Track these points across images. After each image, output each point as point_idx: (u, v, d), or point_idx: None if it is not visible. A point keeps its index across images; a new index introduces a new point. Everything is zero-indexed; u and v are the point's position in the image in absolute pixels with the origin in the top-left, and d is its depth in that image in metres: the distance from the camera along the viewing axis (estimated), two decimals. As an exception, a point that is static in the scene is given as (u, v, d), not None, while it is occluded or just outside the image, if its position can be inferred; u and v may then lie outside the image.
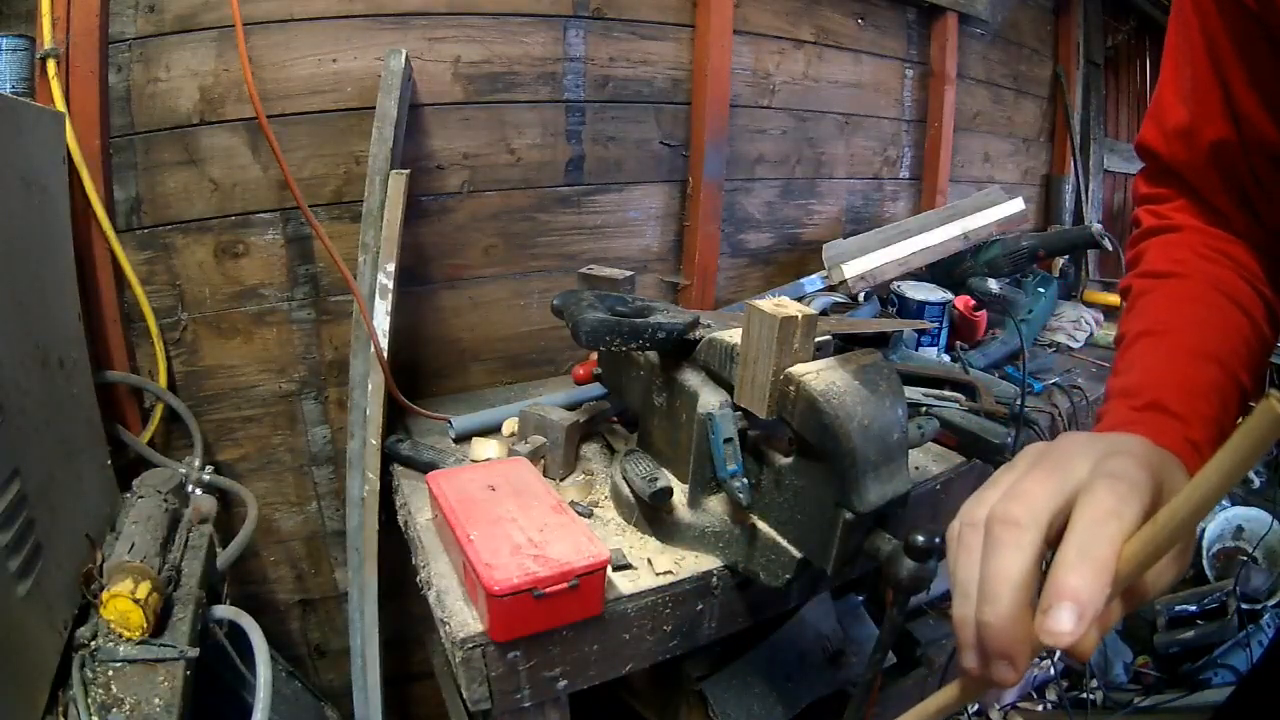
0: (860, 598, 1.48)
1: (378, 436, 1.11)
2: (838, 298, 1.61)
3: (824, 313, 1.54)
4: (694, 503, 0.92)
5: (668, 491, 0.90)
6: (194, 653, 0.78)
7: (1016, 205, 1.87)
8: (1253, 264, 0.60)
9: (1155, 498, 0.39)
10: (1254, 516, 2.00)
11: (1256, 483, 2.32)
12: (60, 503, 0.80)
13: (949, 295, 1.65)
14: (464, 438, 1.18)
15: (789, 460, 0.83)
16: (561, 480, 1.08)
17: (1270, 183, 0.57)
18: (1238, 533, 2.00)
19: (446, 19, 1.27)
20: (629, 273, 1.23)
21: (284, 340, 1.28)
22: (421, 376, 1.39)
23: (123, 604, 0.76)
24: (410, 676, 1.51)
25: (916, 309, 1.61)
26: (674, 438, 0.96)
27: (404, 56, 1.16)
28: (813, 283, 1.64)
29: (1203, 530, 2.01)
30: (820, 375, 0.77)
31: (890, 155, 1.93)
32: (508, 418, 1.21)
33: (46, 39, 0.99)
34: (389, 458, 1.13)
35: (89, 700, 0.71)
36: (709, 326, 0.96)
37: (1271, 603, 1.78)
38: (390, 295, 1.12)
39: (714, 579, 0.90)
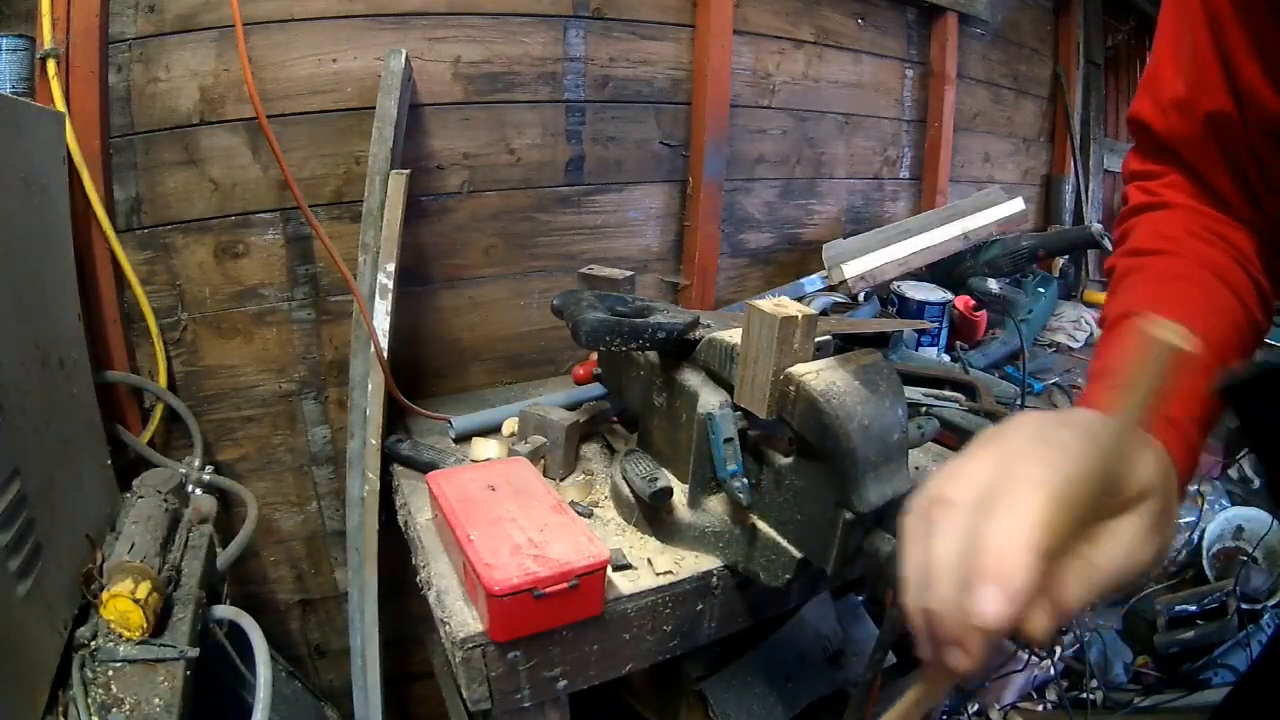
0: (860, 598, 1.48)
1: (378, 436, 1.11)
2: (838, 298, 1.61)
3: (824, 313, 1.54)
4: (694, 503, 0.92)
5: (668, 491, 0.90)
6: (194, 653, 0.78)
7: (1016, 205, 1.87)
8: (1248, 247, 0.57)
9: (1097, 464, 0.37)
10: (1254, 516, 2.00)
11: (1256, 483, 2.32)
12: (60, 503, 0.80)
13: (949, 295, 1.65)
14: (464, 438, 1.18)
15: (789, 460, 0.83)
16: (561, 480, 1.08)
17: (1271, 165, 0.54)
18: (1238, 533, 2.00)
19: (446, 19, 1.27)
20: (629, 273, 1.23)
21: (284, 340, 1.28)
22: (421, 376, 1.39)
23: (123, 604, 0.76)
24: (410, 676, 1.51)
25: (916, 309, 1.62)
26: (674, 438, 0.96)
27: (404, 56, 1.16)
28: (813, 283, 1.64)
29: (1203, 530, 2.01)
30: (820, 375, 0.77)
31: (890, 155, 1.93)
32: (508, 418, 1.21)
33: (46, 39, 0.99)
34: (389, 458, 1.13)
35: (89, 700, 0.71)
36: (709, 326, 0.96)
37: (1271, 603, 1.78)
38: (390, 295, 1.12)
39: (714, 579, 0.90)
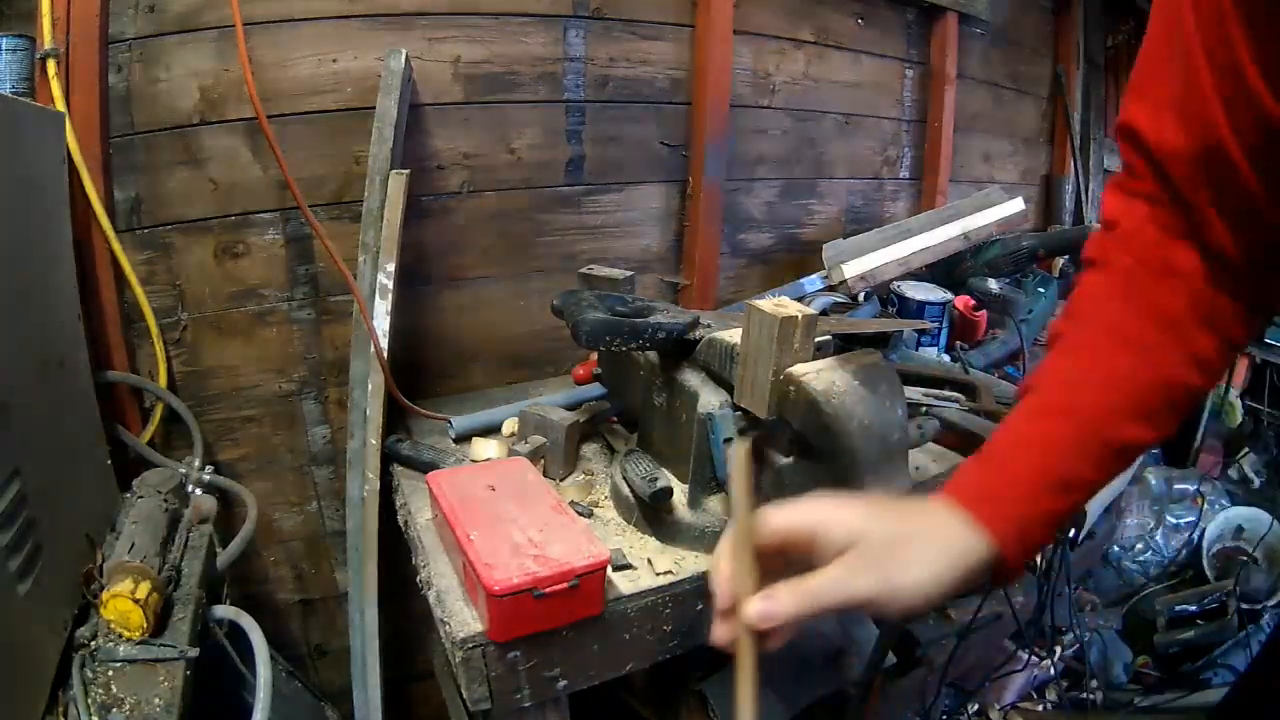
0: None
1: (378, 436, 1.11)
2: (838, 298, 1.61)
3: (824, 313, 1.54)
4: (694, 503, 0.92)
5: (668, 491, 0.90)
6: (194, 653, 0.78)
7: (1016, 205, 1.87)
8: (1180, 306, 0.55)
9: (740, 534, 0.53)
10: (1254, 516, 2.00)
11: (1256, 483, 2.33)
12: (60, 503, 0.80)
13: (949, 295, 1.65)
14: (464, 438, 1.18)
15: (789, 460, 0.83)
16: (561, 480, 1.08)
17: (1261, 178, 0.50)
18: (1238, 533, 2.00)
19: (447, 19, 1.27)
20: (629, 273, 1.23)
21: (284, 340, 1.28)
22: (421, 376, 1.39)
23: (123, 604, 0.76)
24: (410, 676, 1.50)
25: (916, 309, 1.62)
26: (674, 438, 0.96)
27: (404, 56, 1.16)
28: (813, 283, 1.64)
29: (1203, 530, 2.02)
30: (820, 375, 0.77)
31: (890, 155, 1.93)
32: (508, 418, 1.21)
33: (46, 39, 0.99)
34: (389, 458, 1.13)
35: (89, 700, 0.71)
36: (709, 326, 0.96)
37: (1271, 603, 1.78)
38: (390, 295, 1.12)
39: (714, 579, 0.90)
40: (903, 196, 2.00)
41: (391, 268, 1.12)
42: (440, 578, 0.86)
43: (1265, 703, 0.73)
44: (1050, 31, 2.34)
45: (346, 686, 1.24)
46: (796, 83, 1.69)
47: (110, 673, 0.75)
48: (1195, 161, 0.52)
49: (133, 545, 0.87)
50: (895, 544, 0.52)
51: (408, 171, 1.12)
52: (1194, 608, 1.85)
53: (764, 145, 1.68)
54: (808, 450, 0.79)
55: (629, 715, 1.26)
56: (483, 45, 1.30)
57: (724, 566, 0.53)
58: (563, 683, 0.83)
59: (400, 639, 1.40)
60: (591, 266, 1.29)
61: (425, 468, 1.06)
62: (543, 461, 1.08)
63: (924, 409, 1.22)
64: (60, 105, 1.01)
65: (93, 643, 0.77)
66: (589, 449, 1.17)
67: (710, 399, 0.88)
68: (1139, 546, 2.03)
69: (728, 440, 0.84)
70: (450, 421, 1.19)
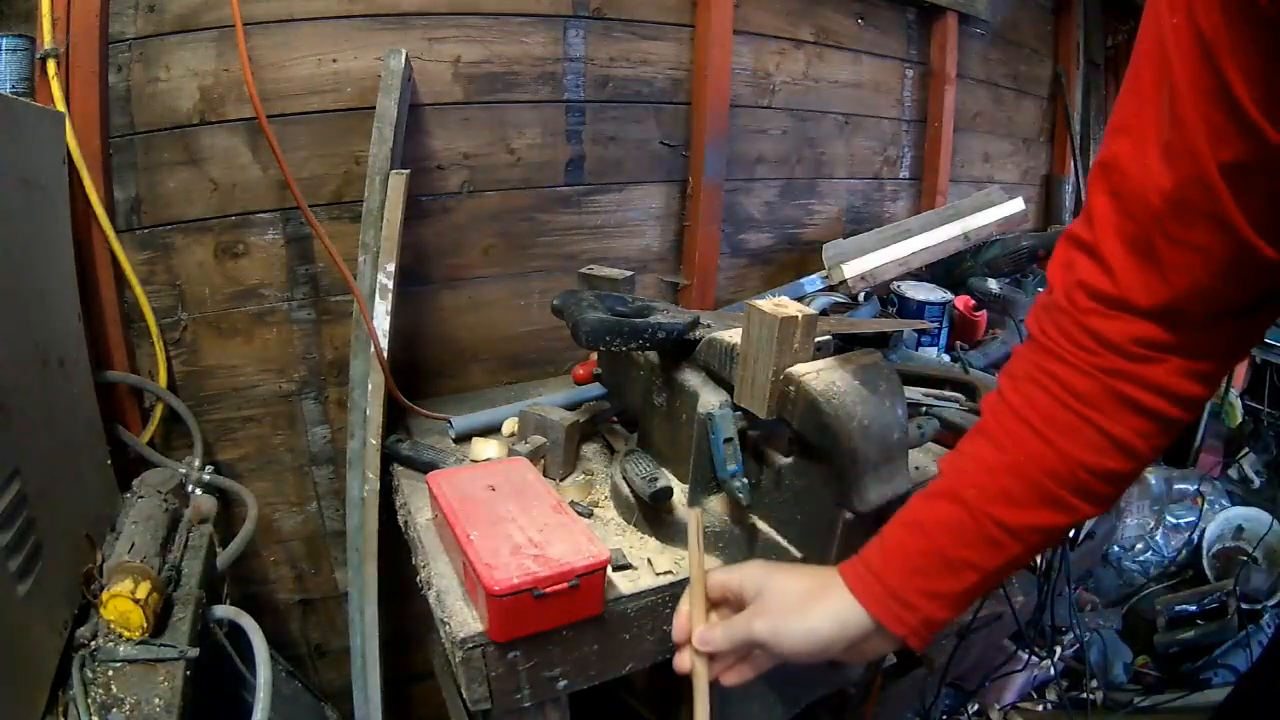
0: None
1: (378, 436, 1.11)
2: (838, 298, 1.61)
3: (824, 313, 1.54)
4: (694, 503, 0.92)
5: (668, 491, 0.90)
6: (194, 653, 0.78)
7: (1016, 205, 1.87)
8: (1093, 390, 0.55)
9: (695, 585, 0.68)
10: (1254, 516, 2.00)
11: (1256, 483, 2.33)
12: (60, 503, 0.80)
13: (949, 295, 1.65)
14: (464, 438, 1.18)
15: (789, 460, 0.83)
16: (561, 480, 1.08)
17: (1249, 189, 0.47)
18: (1238, 533, 2.00)
19: (447, 19, 1.27)
20: (629, 273, 1.22)
21: (284, 340, 1.28)
22: (421, 376, 1.39)
23: (123, 604, 0.76)
24: (410, 676, 1.51)
25: (916, 309, 1.62)
26: (674, 438, 0.96)
27: (404, 56, 1.16)
28: (813, 283, 1.64)
29: (1203, 531, 2.02)
30: (820, 375, 0.77)
31: (890, 155, 1.93)
32: (508, 418, 1.21)
33: (46, 39, 0.99)
34: (389, 458, 1.13)
35: (89, 700, 0.71)
36: (709, 326, 0.96)
37: (1271, 603, 1.78)
38: (390, 295, 1.12)
39: (714, 579, 0.90)
40: (903, 196, 2.00)
41: (391, 268, 1.12)
42: (440, 578, 0.86)
43: (1266, 703, 0.73)
44: (1050, 31, 2.33)
45: (346, 686, 1.24)
46: (796, 83, 1.69)
47: (110, 673, 0.75)
48: (1181, 199, 0.49)
49: (133, 545, 0.87)
50: (788, 598, 0.63)
51: (408, 171, 1.12)
52: (1194, 608, 1.85)
53: (764, 145, 1.68)
54: (808, 450, 0.79)
55: (629, 715, 1.26)
56: (483, 45, 1.30)
57: (682, 609, 0.68)
58: (563, 683, 0.83)
59: (400, 639, 1.40)
60: (591, 266, 1.29)
61: (425, 468, 1.06)
62: (543, 461, 1.08)
63: (924, 409, 1.22)
64: (60, 105, 1.01)
65: (93, 643, 0.77)
66: (589, 449, 1.17)
67: (710, 399, 0.88)
68: (1139, 546, 2.03)
69: (728, 440, 0.84)
70: (450, 421, 1.19)
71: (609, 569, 0.83)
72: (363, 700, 1.21)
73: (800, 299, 1.55)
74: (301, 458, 1.34)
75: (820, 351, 0.84)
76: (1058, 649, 1.70)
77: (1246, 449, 2.38)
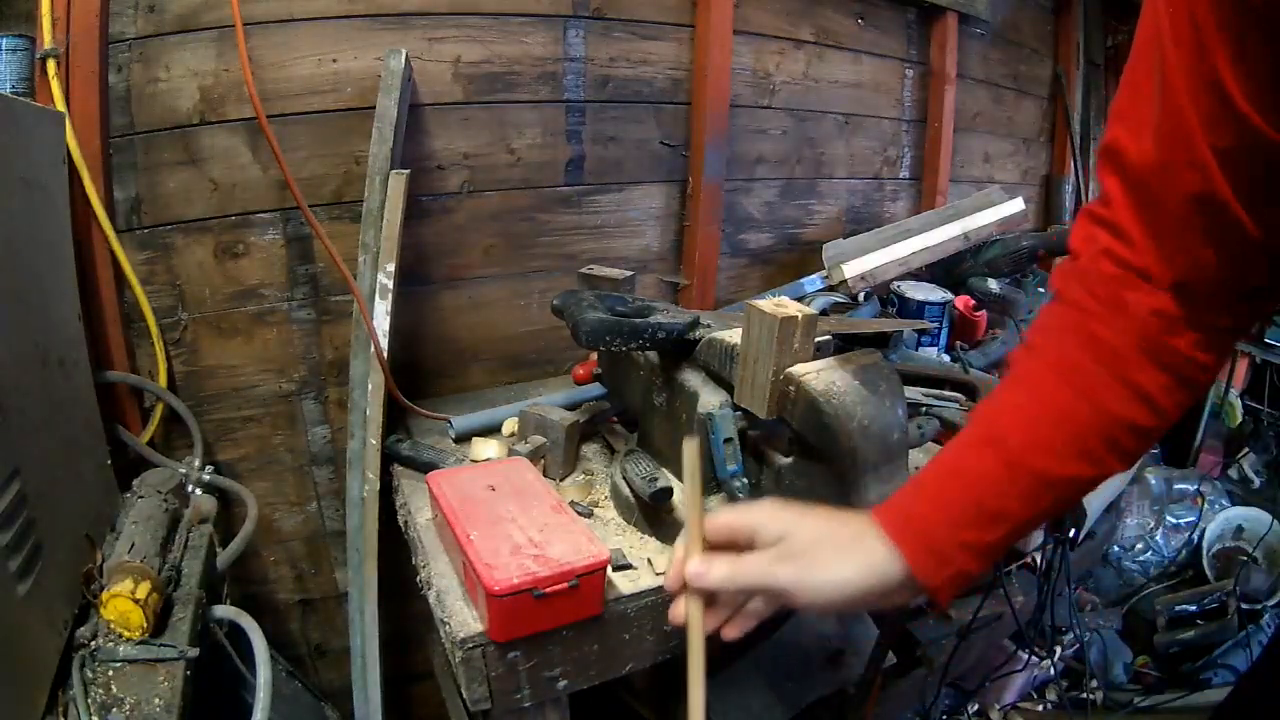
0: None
1: (378, 436, 1.11)
2: (838, 298, 1.61)
3: (824, 313, 1.54)
4: (694, 503, 0.92)
5: (668, 491, 0.90)
6: (194, 653, 0.78)
7: (1016, 205, 1.87)
8: (1127, 344, 0.56)
9: (692, 525, 0.61)
10: (1254, 516, 2.00)
11: (1256, 483, 2.32)
12: (60, 503, 0.80)
13: (949, 295, 1.65)
14: (464, 438, 1.18)
15: (789, 460, 0.83)
16: (561, 480, 1.08)
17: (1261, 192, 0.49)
18: (1238, 533, 2.00)
19: (447, 19, 1.27)
20: (629, 273, 1.23)
21: (284, 340, 1.28)
22: (421, 376, 1.39)
23: (123, 604, 0.76)
24: (410, 676, 1.51)
25: (916, 309, 1.62)
26: (674, 438, 0.96)
27: (404, 56, 1.16)
28: (813, 283, 1.64)
29: (1203, 530, 2.01)
30: (820, 375, 0.77)
31: (890, 155, 1.93)
32: (508, 418, 1.21)
33: (46, 39, 0.99)
34: (389, 458, 1.13)
35: (89, 700, 0.71)
36: (709, 326, 0.96)
37: (1271, 603, 1.78)
38: (390, 295, 1.12)
39: (714, 579, 0.90)
40: (903, 196, 2.00)
41: (391, 268, 1.12)
42: (440, 578, 0.86)
43: (1266, 703, 0.73)
44: (1050, 31, 2.33)
45: (346, 686, 1.24)
46: (796, 83, 1.69)
47: (110, 673, 0.75)
48: (1174, 181, 0.51)
49: (133, 545, 0.87)
50: (817, 545, 0.59)
51: (408, 171, 1.12)
52: (1194, 608, 1.85)
53: (764, 145, 1.68)
54: (808, 450, 0.79)
55: (629, 715, 1.26)
56: (483, 45, 1.30)
57: (678, 551, 0.62)
58: (563, 683, 0.83)
59: (400, 639, 1.40)
60: (591, 266, 1.29)
61: (425, 468, 1.06)
62: (543, 461, 1.08)
63: (924, 409, 1.22)
64: (60, 105, 1.01)
65: (93, 643, 0.77)
66: (589, 449, 1.17)
67: (710, 399, 0.88)
68: (1139, 546, 2.03)
69: (728, 440, 0.84)
70: (450, 421, 1.19)
71: (609, 569, 0.83)
72: (363, 700, 1.21)
73: (800, 299, 1.55)
74: (301, 458, 1.34)
75: (820, 351, 0.84)
76: (1058, 649, 1.70)
77: (1246, 449, 2.38)
